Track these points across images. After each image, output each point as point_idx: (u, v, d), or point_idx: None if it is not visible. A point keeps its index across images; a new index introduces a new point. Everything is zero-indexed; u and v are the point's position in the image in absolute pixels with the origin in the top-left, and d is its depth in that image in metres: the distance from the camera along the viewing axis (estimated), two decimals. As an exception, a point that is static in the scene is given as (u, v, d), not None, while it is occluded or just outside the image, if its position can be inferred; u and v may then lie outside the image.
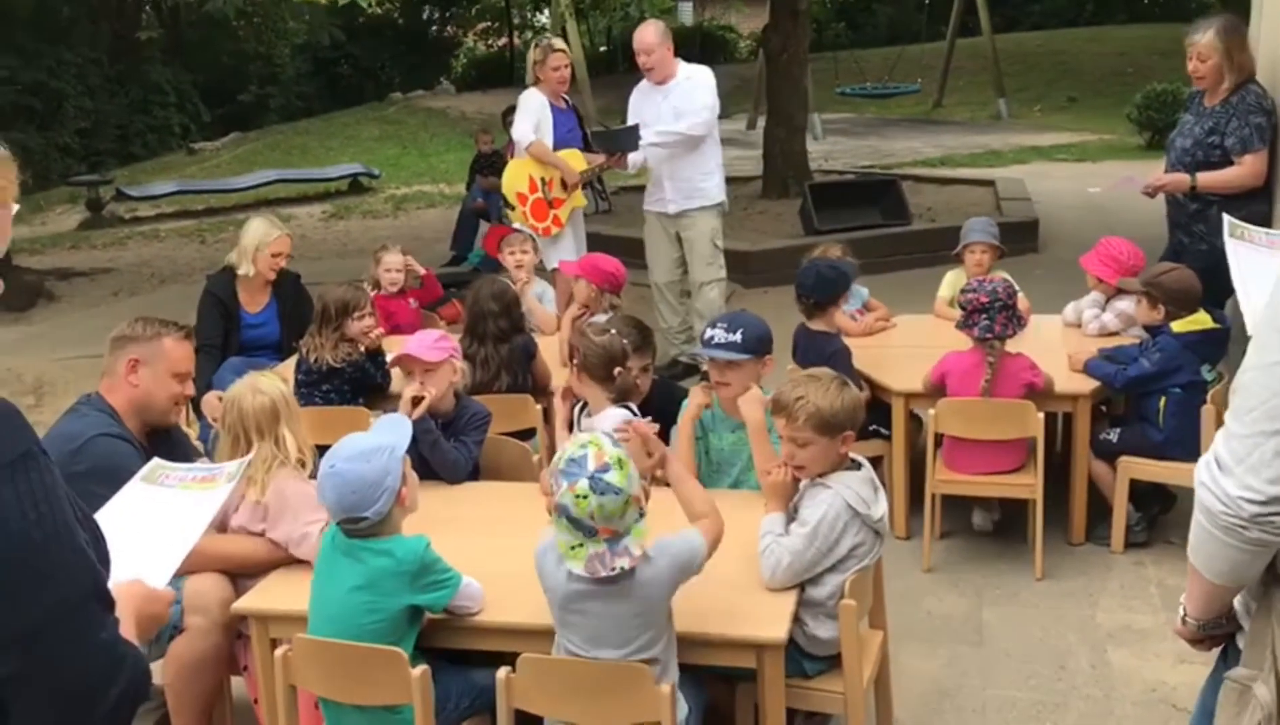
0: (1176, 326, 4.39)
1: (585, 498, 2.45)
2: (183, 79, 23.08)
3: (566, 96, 6.74)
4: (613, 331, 3.75)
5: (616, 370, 3.68)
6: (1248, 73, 5.01)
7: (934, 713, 3.62)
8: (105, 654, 1.49)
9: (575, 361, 3.72)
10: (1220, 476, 1.66)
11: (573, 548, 2.51)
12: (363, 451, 2.74)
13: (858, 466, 3.05)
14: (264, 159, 18.49)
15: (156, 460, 2.49)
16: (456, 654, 2.91)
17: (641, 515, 2.57)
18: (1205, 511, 1.69)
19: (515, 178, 6.47)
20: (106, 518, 2.04)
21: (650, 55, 6.39)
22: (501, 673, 2.64)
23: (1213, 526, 1.67)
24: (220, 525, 3.24)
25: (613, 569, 2.50)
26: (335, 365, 4.59)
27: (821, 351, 4.48)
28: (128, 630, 1.55)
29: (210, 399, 4.64)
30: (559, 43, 6.90)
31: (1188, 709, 3.51)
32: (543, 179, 6.42)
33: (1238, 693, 1.72)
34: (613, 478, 2.47)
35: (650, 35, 6.41)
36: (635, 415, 3.57)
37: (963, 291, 4.49)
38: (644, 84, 6.60)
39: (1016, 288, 4.49)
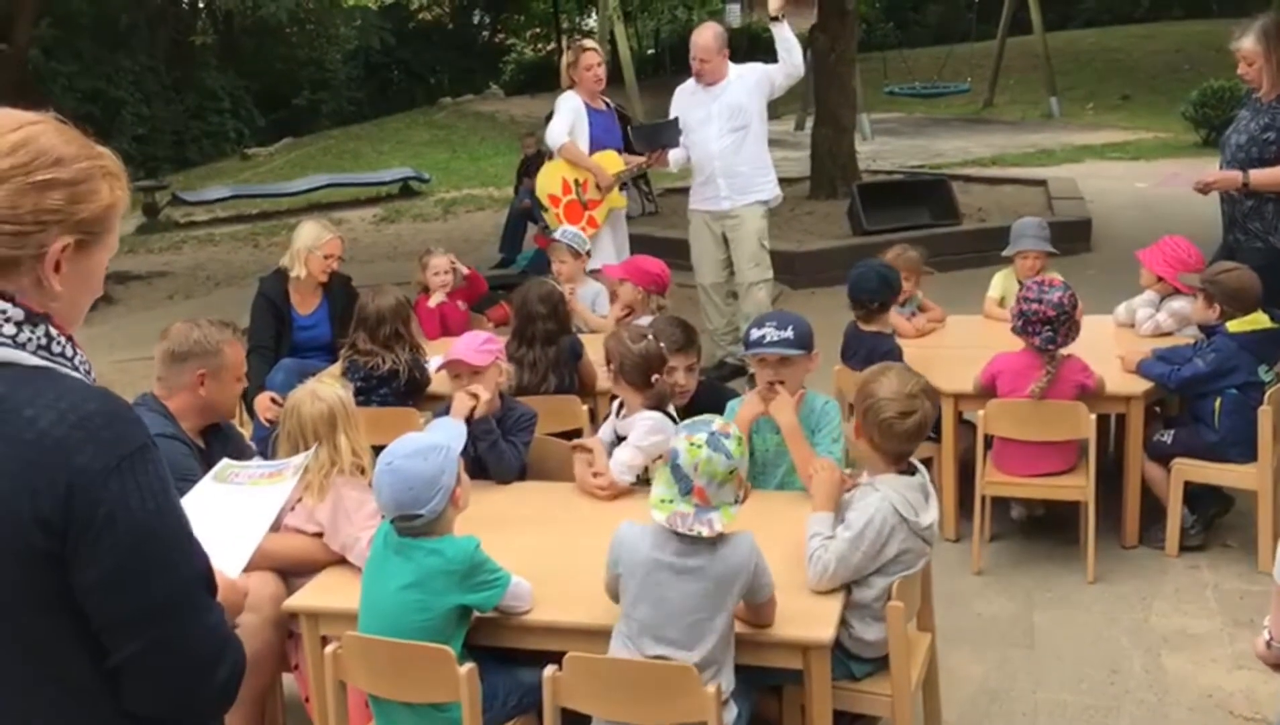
0: (1232, 326, 4.31)
1: (699, 448, 2.56)
2: (236, 85, 23.46)
3: (606, 98, 6.75)
4: (650, 336, 3.76)
5: (654, 377, 3.68)
6: None
7: (983, 716, 3.59)
8: (214, 635, 1.58)
9: (612, 366, 3.72)
10: None
11: (663, 500, 2.59)
12: (420, 449, 2.77)
13: (913, 471, 3.03)
14: (316, 163, 18.73)
15: (226, 461, 2.55)
16: (503, 652, 2.93)
17: (737, 502, 2.63)
18: None
19: (548, 180, 6.50)
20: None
21: (707, 61, 6.39)
22: (548, 671, 2.65)
23: None
24: (274, 525, 3.28)
25: (690, 530, 2.55)
26: (395, 368, 4.64)
27: (874, 351, 4.46)
28: None
29: (263, 400, 4.73)
30: (589, 42, 6.93)
31: (1244, 715, 3.47)
32: (576, 181, 6.44)
33: None
34: (731, 444, 2.59)
35: (709, 39, 6.41)
36: (672, 419, 3.59)
37: (1024, 298, 4.35)
38: (690, 85, 6.60)
39: (1077, 297, 4.39)
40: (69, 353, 1.56)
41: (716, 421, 2.65)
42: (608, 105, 6.79)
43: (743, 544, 2.62)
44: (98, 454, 1.46)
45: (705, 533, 2.55)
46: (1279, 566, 1.71)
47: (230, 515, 2.37)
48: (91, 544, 1.45)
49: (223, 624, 1.60)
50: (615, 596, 2.73)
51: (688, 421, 2.70)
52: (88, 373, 1.58)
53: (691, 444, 2.57)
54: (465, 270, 5.95)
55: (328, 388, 3.37)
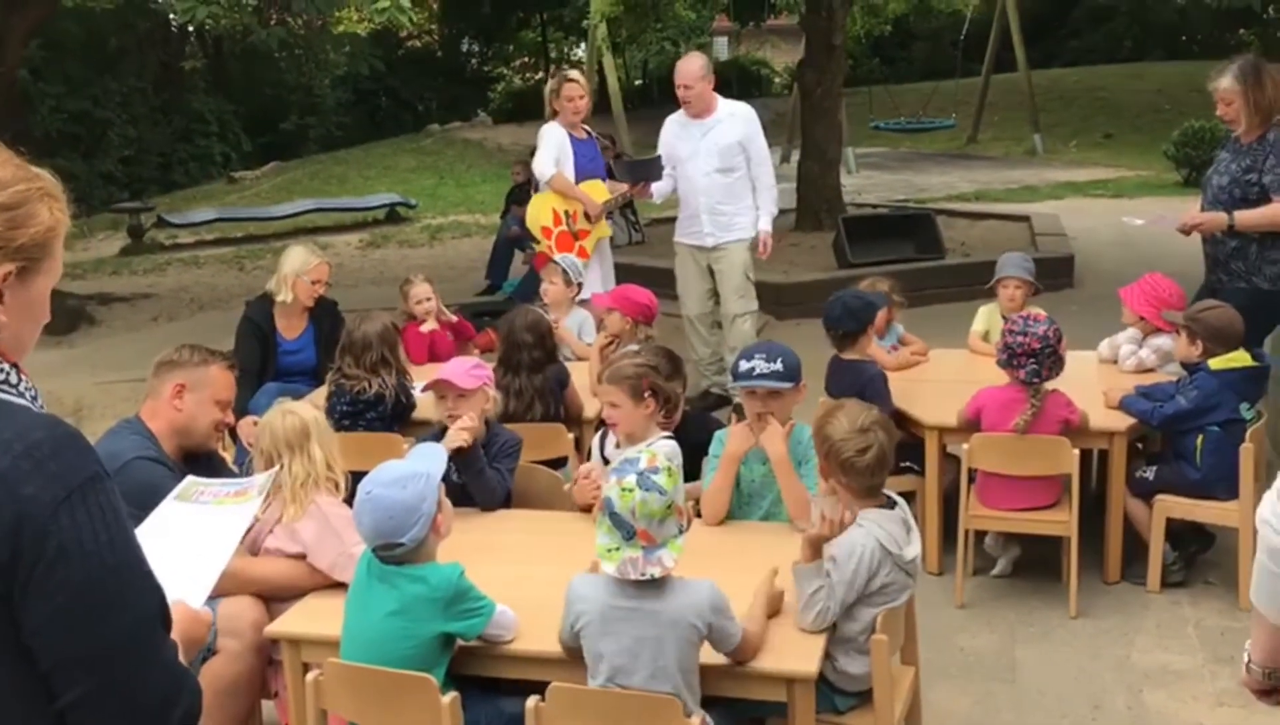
0: (1214, 364, 4.34)
1: (631, 492, 2.53)
2: (225, 109, 23.45)
3: (587, 127, 6.79)
4: (642, 352, 3.78)
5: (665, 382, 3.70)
6: (1275, 110, 4.97)
7: (966, 751, 3.58)
8: (169, 675, 1.51)
9: (648, 393, 3.58)
10: None
11: (609, 550, 2.57)
12: (399, 477, 2.76)
13: (892, 505, 3.03)
14: (303, 188, 18.72)
15: (190, 478, 2.50)
16: (486, 681, 2.91)
17: (681, 532, 2.61)
18: (1268, 549, 1.64)
19: (539, 212, 6.53)
20: (141, 538, 2.06)
21: (690, 89, 6.41)
22: (531, 701, 2.64)
23: (1275, 565, 1.63)
24: (254, 548, 3.27)
25: (643, 574, 2.53)
26: (381, 392, 4.63)
27: (857, 379, 4.48)
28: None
29: (246, 424, 4.70)
30: (574, 73, 6.96)
31: (1225, 752, 3.47)
32: (566, 212, 6.48)
33: None
34: (660, 479, 2.55)
35: (694, 68, 6.44)
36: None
37: (1009, 331, 4.40)
38: (680, 116, 6.63)
39: (1062, 332, 4.40)
40: (13, 379, 1.50)
41: (643, 459, 2.60)
42: (589, 134, 6.83)
43: (702, 591, 2.60)
44: (46, 485, 1.40)
45: (658, 573, 2.54)
46: (1254, 589, 1.71)
47: (194, 539, 2.32)
48: (41, 580, 1.39)
49: (177, 662, 1.53)
50: (570, 651, 2.71)
51: (615, 465, 2.66)
52: (34, 399, 1.52)
53: (623, 489, 2.54)
54: (454, 318, 5.95)
55: (299, 405, 3.42)
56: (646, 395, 3.59)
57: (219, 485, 2.61)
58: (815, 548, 2.95)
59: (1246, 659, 1.84)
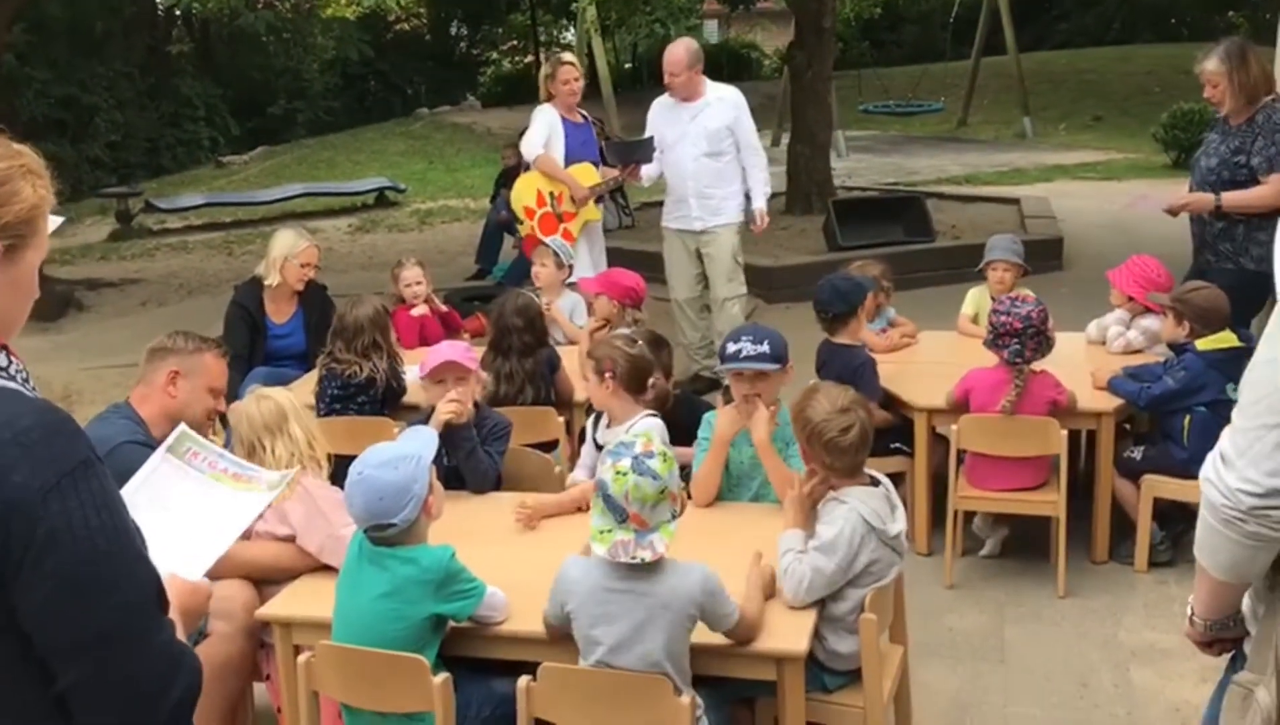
0: (1201, 344, 4.37)
1: (624, 475, 2.54)
2: (212, 93, 23.31)
3: (583, 111, 6.78)
4: (640, 342, 3.79)
5: (650, 381, 3.71)
6: (1260, 91, 4.99)
7: (954, 729, 3.61)
8: (165, 656, 1.51)
9: (608, 373, 3.66)
10: (1223, 469, 1.67)
11: (601, 532, 2.58)
12: (390, 458, 2.77)
13: (875, 483, 3.06)
14: (291, 172, 18.64)
15: (183, 427, 2.43)
16: (477, 662, 2.93)
17: (674, 517, 2.62)
18: (1208, 505, 1.69)
19: (524, 192, 6.52)
20: (132, 493, 2.02)
21: (676, 76, 6.41)
22: (522, 681, 2.65)
23: (1214, 520, 1.68)
24: (245, 532, 3.27)
25: (633, 557, 2.55)
26: (372, 376, 4.63)
27: (848, 364, 4.49)
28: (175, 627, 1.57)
29: (235, 409, 4.71)
30: (568, 56, 6.96)
31: (1211, 729, 3.50)
32: (551, 193, 6.47)
33: (1241, 696, 1.72)
34: (655, 464, 2.57)
35: (680, 54, 6.42)
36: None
37: (995, 311, 4.44)
38: (667, 99, 6.62)
39: (1049, 313, 4.43)
40: (3, 362, 1.50)
41: (638, 444, 2.63)
42: (585, 118, 6.81)
43: (694, 574, 2.62)
44: (35, 471, 1.39)
45: (649, 557, 2.55)
46: (1197, 544, 1.76)
47: (192, 512, 2.29)
48: (32, 567, 1.39)
49: (174, 642, 1.53)
50: (555, 633, 2.72)
51: (611, 448, 2.69)
52: (25, 382, 1.51)
53: (617, 473, 2.56)
54: (444, 308, 5.96)
55: (272, 390, 3.44)
56: (606, 376, 3.65)
57: (215, 454, 2.56)
58: (798, 512, 2.99)
59: (1190, 612, 1.89)
